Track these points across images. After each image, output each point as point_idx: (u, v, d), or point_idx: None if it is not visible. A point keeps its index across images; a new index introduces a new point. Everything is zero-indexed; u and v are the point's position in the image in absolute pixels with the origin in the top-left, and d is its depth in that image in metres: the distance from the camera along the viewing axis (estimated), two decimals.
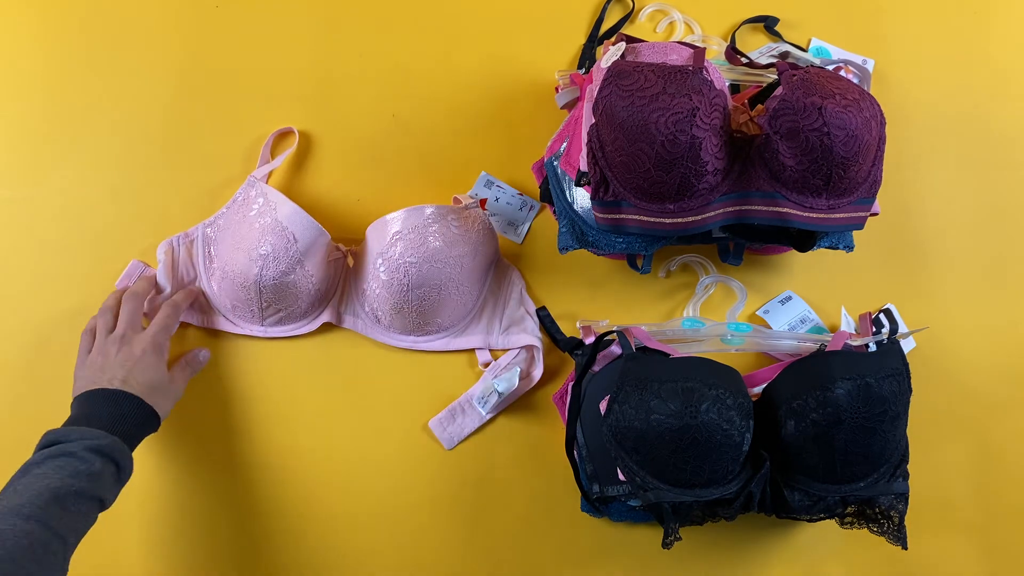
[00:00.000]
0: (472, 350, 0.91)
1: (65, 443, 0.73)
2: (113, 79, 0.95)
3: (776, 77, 0.83)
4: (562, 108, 0.90)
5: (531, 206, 0.92)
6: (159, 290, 0.89)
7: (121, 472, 0.75)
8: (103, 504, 0.74)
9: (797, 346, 0.87)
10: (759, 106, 0.79)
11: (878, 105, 0.77)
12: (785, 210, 0.77)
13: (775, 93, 0.75)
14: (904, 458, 0.80)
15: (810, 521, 0.85)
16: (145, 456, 0.88)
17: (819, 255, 0.91)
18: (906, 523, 0.80)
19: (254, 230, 0.83)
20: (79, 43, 0.96)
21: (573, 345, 0.86)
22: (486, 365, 0.90)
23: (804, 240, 0.84)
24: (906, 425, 0.80)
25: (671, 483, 0.76)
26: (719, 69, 0.85)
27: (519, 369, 0.88)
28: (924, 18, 1.01)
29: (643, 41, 0.83)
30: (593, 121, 0.76)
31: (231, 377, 0.91)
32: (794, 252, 0.89)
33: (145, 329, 0.85)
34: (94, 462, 0.72)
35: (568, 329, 0.91)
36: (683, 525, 0.80)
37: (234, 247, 0.84)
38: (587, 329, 0.86)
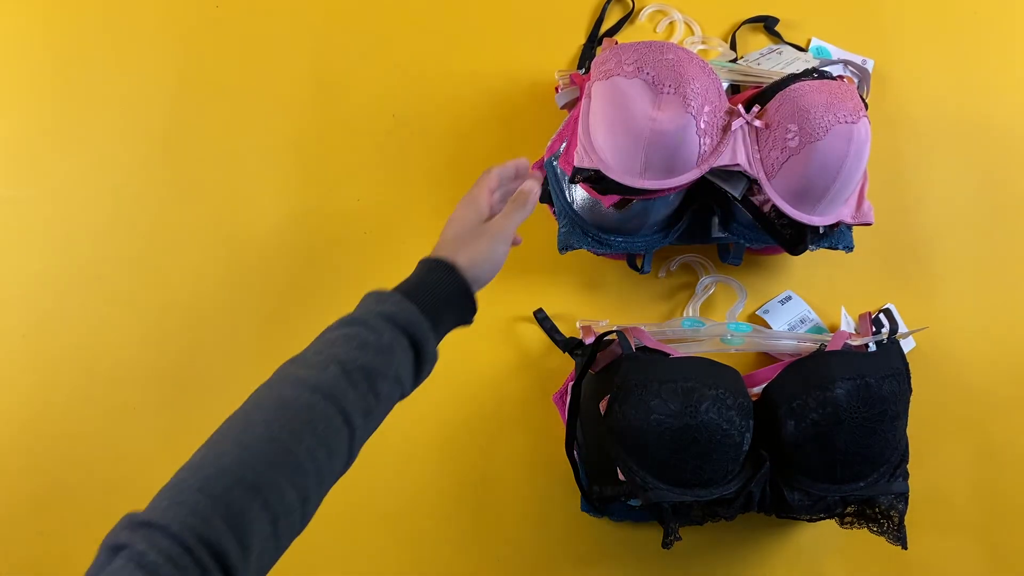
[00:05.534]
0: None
1: (362, 309, 0.63)
2: (113, 79, 0.95)
3: (775, 79, 0.83)
4: (562, 108, 0.90)
5: None
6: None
7: (419, 353, 0.63)
8: (401, 388, 0.62)
9: (797, 346, 0.87)
10: (756, 106, 0.79)
11: None
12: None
13: None
14: (904, 458, 0.80)
15: (810, 521, 0.85)
16: (143, 455, 0.88)
17: (819, 255, 0.91)
18: (906, 523, 0.80)
19: None
20: (79, 43, 0.96)
21: (573, 345, 0.86)
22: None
23: (795, 242, 0.83)
24: (906, 425, 0.80)
25: (671, 483, 0.76)
26: (719, 69, 0.85)
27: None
28: (924, 18, 1.01)
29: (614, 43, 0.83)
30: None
31: (229, 375, 0.91)
32: None
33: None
34: (383, 332, 0.61)
35: (568, 329, 0.91)
36: (683, 525, 0.80)
37: None
38: (587, 329, 0.86)
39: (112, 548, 0.49)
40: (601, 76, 0.77)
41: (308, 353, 0.61)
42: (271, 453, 0.55)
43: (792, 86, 0.78)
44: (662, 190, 0.78)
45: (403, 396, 0.63)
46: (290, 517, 0.55)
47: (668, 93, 0.73)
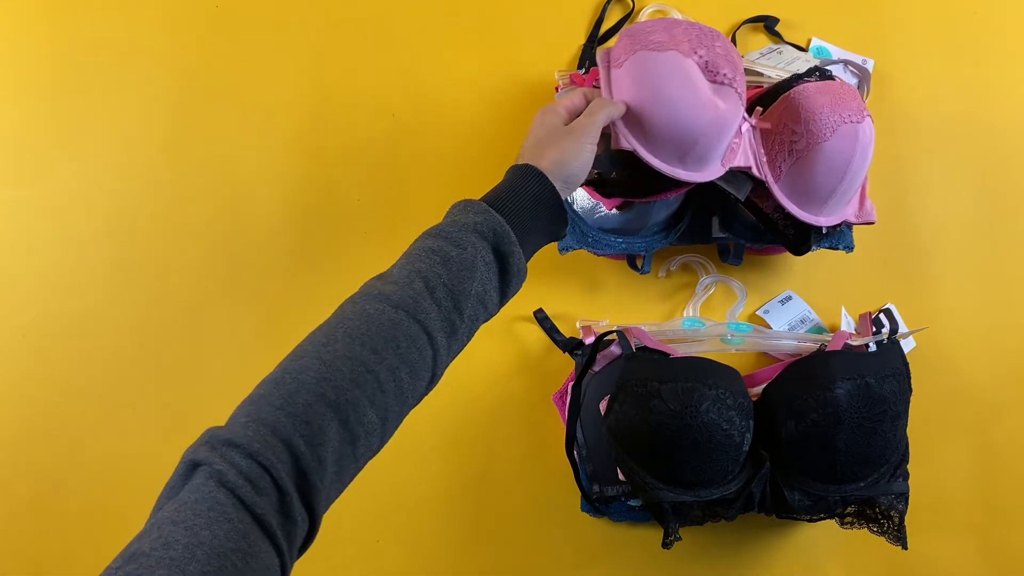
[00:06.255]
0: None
1: (447, 219, 0.60)
2: (113, 79, 0.95)
3: (778, 81, 0.83)
4: None
5: None
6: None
7: (504, 267, 0.60)
8: (485, 307, 0.59)
9: (797, 346, 0.87)
10: (757, 108, 0.79)
11: None
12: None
13: None
14: (904, 458, 0.80)
15: (810, 521, 0.85)
16: (143, 455, 0.88)
17: (819, 255, 0.91)
18: (906, 523, 0.80)
19: None
20: (79, 43, 0.96)
21: (573, 345, 0.86)
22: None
23: (799, 243, 0.83)
24: (906, 425, 0.80)
25: (671, 483, 0.76)
26: None
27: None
28: (924, 18, 1.01)
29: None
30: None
31: (229, 375, 0.91)
32: None
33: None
34: (466, 247, 0.58)
35: (568, 329, 0.91)
36: (683, 525, 0.80)
37: None
38: (587, 329, 0.86)
39: (192, 463, 0.48)
40: (652, 47, 0.71)
41: (394, 268, 0.59)
42: (352, 371, 0.52)
43: (795, 88, 0.78)
44: (686, 184, 0.76)
45: (489, 316, 0.61)
46: (370, 437, 0.53)
47: (724, 84, 0.71)
